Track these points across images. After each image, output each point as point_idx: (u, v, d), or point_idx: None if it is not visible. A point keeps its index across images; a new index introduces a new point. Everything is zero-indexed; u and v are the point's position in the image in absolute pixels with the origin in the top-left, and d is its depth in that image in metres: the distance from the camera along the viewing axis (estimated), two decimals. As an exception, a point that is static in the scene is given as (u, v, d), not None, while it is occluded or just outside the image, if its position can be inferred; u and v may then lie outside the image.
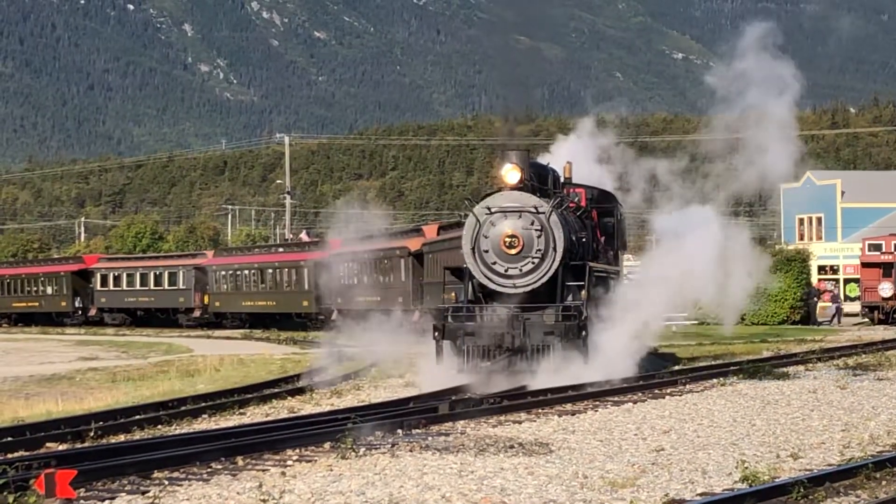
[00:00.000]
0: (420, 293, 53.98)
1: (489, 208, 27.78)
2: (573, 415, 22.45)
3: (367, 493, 14.39)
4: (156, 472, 15.71)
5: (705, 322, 61.97)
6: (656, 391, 26.48)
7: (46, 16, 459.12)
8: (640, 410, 23.08)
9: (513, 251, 27.47)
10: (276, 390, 27.39)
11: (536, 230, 27.48)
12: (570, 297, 27.72)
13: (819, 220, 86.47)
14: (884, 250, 64.76)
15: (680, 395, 25.72)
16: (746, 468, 15.00)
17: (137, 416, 21.95)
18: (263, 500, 13.27)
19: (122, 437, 19.96)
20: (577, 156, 33.02)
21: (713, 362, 35.18)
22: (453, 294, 28.91)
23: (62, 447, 18.58)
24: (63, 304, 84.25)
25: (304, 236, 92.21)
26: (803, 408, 23.12)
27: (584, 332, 27.09)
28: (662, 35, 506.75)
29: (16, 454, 17.36)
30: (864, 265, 65.65)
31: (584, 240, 29.48)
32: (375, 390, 28.25)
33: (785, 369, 31.08)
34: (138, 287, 79.88)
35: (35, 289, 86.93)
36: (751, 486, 14.16)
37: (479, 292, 28.21)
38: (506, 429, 20.49)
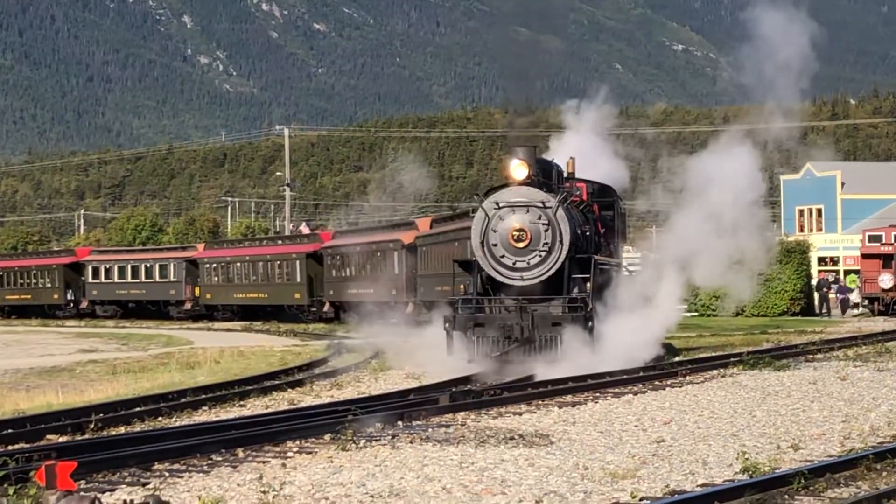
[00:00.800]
0: (414, 285, 54.22)
1: (497, 203, 28.65)
2: (573, 406, 22.44)
3: (368, 484, 14.39)
4: (156, 463, 15.71)
5: (705, 314, 62.08)
6: (657, 382, 26.50)
7: (46, 7, 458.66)
8: (640, 402, 23.08)
9: (521, 244, 28.31)
10: (277, 382, 27.42)
11: (544, 224, 28.30)
12: (575, 289, 28.51)
13: (819, 211, 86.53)
14: (884, 241, 64.73)
15: (680, 387, 25.72)
16: (747, 459, 15.00)
17: (138, 408, 21.95)
18: (264, 492, 13.27)
19: (122, 429, 19.96)
20: (584, 148, 33.53)
21: (713, 353, 35.18)
22: (462, 286, 29.70)
23: (62, 439, 18.59)
24: (55, 296, 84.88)
25: (304, 228, 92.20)
26: (804, 399, 23.12)
27: (590, 323, 27.85)
28: (662, 27, 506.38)
29: (16, 446, 17.37)
30: (864, 256, 65.65)
31: (587, 233, 30.26)
32: (376, 382, 28.26)
33: (785, 360, 31.08)
34: (129, 279, 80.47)
35: (27, 281, 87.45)
36: (751, 477, 14.15)
37: (488, 284, 28.95)
38: (506, 420, 20.49)
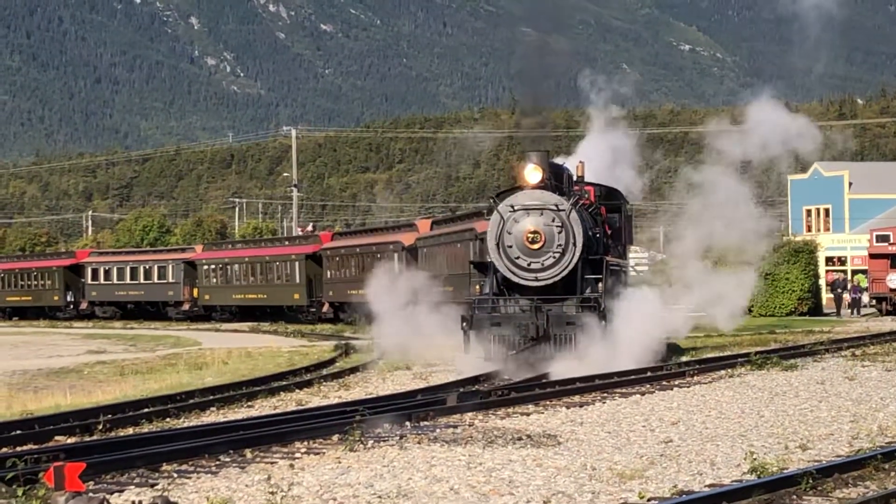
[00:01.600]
0: (415, 286, 54.57)
1: (513, 206, 29.40)
2: (581, 406, 22.44)
3: (376, 485, 14.40)
4: (164, 464, 15.72)
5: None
6: (664, 383, 26.51)
7: (53, 10, 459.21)
8: (648, 402, 23.07)
9: (535, 246, 29.14)
10: (284, 383, 27.45)
11: (557, 226, 29.11)
12: (588, 290, 29.43)
13: (827, 211, 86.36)
14: (891, 241, 64.69)
15: (688, 387, 25.72)
16: (755, 459, 14.99)
17: (146, 409, 21.95)
18: (272, 493, 13.28)
19: (130, 430, 19.97)
20: (597, 152, 34.50)
21: (721, 354, 35.16)
22: (478, 286, 30.72)
23: (71, 440, 18.60)
24: (55, 298, 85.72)
25: (310, 229, 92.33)
26: (811, 399, 23.10)
27: (603, 322, 28.70)
28: (669, 27, 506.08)
29: (25, 447, 17.39)
30: (872, 256, 65.60)
31: (597, 235, 30.98)
32: (383, 383, 28.28)
33: (793, 360, 31.05)
34: (128, 281, 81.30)
35: (28, 283, 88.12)
36: (759, 477, 14.15)
37: (502, 285, 29.74)
38: (514, 421, 20.49)
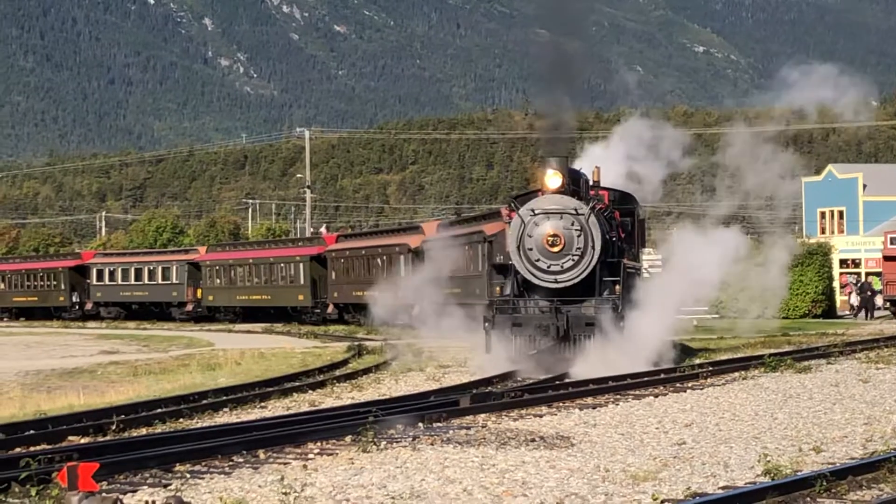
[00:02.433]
0: (421, 288, 54.87)
1: (533, 210, 30.39)
2: (594, 408, 22.43)
3: (389, 486, 14.40)
4: (177, 465, 15.73)
5: (725, 316, 61.90)
6: (678, 385, 26.50)
7: (67, 10, 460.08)
8: (661, 404, 23.05)
9: (555, 249, 30.11)
10: (297, 384, 27.46)
11: (576, 230, 30.09)
12: (606, 291, 30.34)
13: (841, 213, 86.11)
14: (905, 243, 64.51)
15: (701, 389, 25.69)
16: (769, 462, 14.96)
17: (159, 410, 21.98)
18: (285, 494, 13.28)
19: (143, 431, 19.99)
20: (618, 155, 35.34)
21: (734, 356, 35.13)
22: (498, 288, 31.48)
23: (84, 440, 18.63)
24: (61, 298, 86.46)
25: (323, 230, 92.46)
26: (825, 401, 23.06)
27: (621, 323, 29.62)
28: (683, 28, 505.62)
29: (38, 447, 17.41)
30: (886, 259, 65.45)
31: (614, 239, 31.82)
32: (396, 384, 28.29)
33: (807, 363, 31.00)
34: (133, 282, 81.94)
35: (34, 284, 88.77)
36: (773, 479, 14.11)
37: (522, 286, 30.71)
38: (527, 422, 20.48)
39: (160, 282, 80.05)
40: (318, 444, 17.65)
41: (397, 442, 17.93)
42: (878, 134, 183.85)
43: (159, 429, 20.19)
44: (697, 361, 32.22)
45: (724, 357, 34.72)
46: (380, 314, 50.76)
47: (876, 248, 71.04)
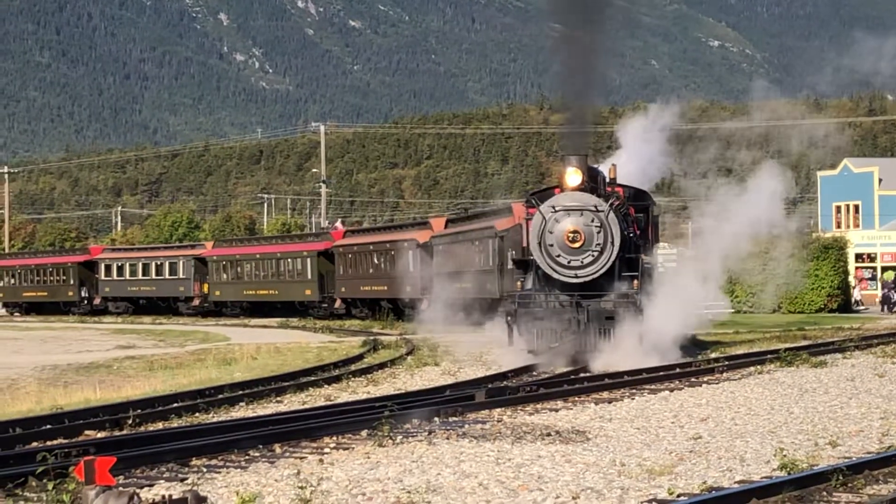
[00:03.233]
0: (430, 283, 55.11)
1: (554, 207, 31.03)
2: (610, 403, 22.43)
3: (405, 480, 14.41)
4: (194, 459, 15.77)
5: (741, 310, 61.87)
6: (693, 379, 26.49)
7: (82, 6, 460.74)
8: (676, 398, 23.04)
9: (575, 245, 30.74)
10: (313, 378, 27.47)
11: (596, 227, 30.78)
12: (624, 286, 30.99)
13: (856, 207, 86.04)
14: (921, 238, 64.40)
15: (717, 383, 25.67)
16: (785, 456, 14.94)
17: (175, 404, 22.03)
18: (301, 488, 13.29)
19: (160, 425, 20.01)
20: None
21: (750, 350, 35.10)
22: (519, 283, 32.14)
23: (101, 435, 18.67)
24: (70, 293, 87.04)
25: (339, 225, 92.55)
26: (841, 396, 23.03)
27: (640, 317, 30.33)
28: (698, 22, 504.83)
29: (55, 442, 17.45)
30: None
31: (630, 235, 32.38)
32: (412, 378, 28.32)
33: (822, 357, 30.97)
34: (140, 277, 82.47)
35: (44, 279, 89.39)
36: (789, 473, 14.10)
37: (542, 281, 31.44)
38: (542, 417, 20.48)
39: (167, 277, 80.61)
40: (334, 438, 17.68)
41: (413, 436, 17.95)
42: (893, 128, 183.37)
43: (175, 423, 20.21)
44: (713, 355, 32.20)
45: (739, 351, 34.71)
46: (386, 308, 51.58)
47: (892, 243, 70.99)
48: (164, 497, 11.83)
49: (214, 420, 20.51)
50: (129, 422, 19.64)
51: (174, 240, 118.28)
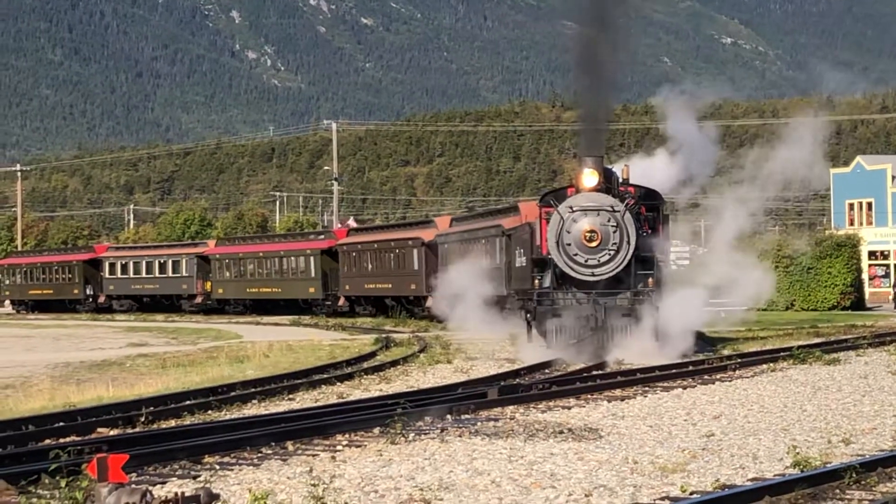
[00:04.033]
0: (435, 281, 55.24)
1: (571, 207, 32.01)
2: (622, 400, 22.42)
3: (417, 477, 14.41)
4: (206, 456, 15.78)
5: (754, 308, 61.75)
6: (706, 377, 26.46)
7: (95, 4, 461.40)
8: (689, 396, 23.02)
9: (592, 244, 31.73)
10: (325, 376, 27.48)
11: (612, 226, 31.78)
12: (639, 284, 31.88)
13: (869, 204, 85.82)
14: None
15: (730, 381, 25.64)
16: (798, 454, 14.92)
17: (188, 402, 22.04)
18: (314, 485, 13.29)
19: (172, 423, 20.03)
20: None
21: (763, 347, 35.06)
22: (537, 280, 32.84)
23: (113, 432, 18.68)
24: (75, 291, 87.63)
25: (351, 222, 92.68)
26: (854, 393, 22.99)
27: (655, 314, 31.17)
28: (711, 20, 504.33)
29: (68, 439, 17.49)
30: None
31: (644, 234, 32.92)
32: (424, 376, 28.32)
33: (835, 355, 30.91)
34: (144, 275, 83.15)
35: (49, 277, 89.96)
36: (802, 471, 14.08)
37: (559, 279, 32.31)
38: (555, 414, 20.48)
39: (170, 275, 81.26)
40: (347, 435, 17.68)
41: (426, 434, 17.95)
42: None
43: (188, 421, 20.23)
44: (726, 353, 32.19)
45: (752, 349, 34.68)
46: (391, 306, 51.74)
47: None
48: (176, 494, 11.84)
49: (227, 418, 20.53)
50: (142, 419, 19.66)
51: (186, 238, 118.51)
